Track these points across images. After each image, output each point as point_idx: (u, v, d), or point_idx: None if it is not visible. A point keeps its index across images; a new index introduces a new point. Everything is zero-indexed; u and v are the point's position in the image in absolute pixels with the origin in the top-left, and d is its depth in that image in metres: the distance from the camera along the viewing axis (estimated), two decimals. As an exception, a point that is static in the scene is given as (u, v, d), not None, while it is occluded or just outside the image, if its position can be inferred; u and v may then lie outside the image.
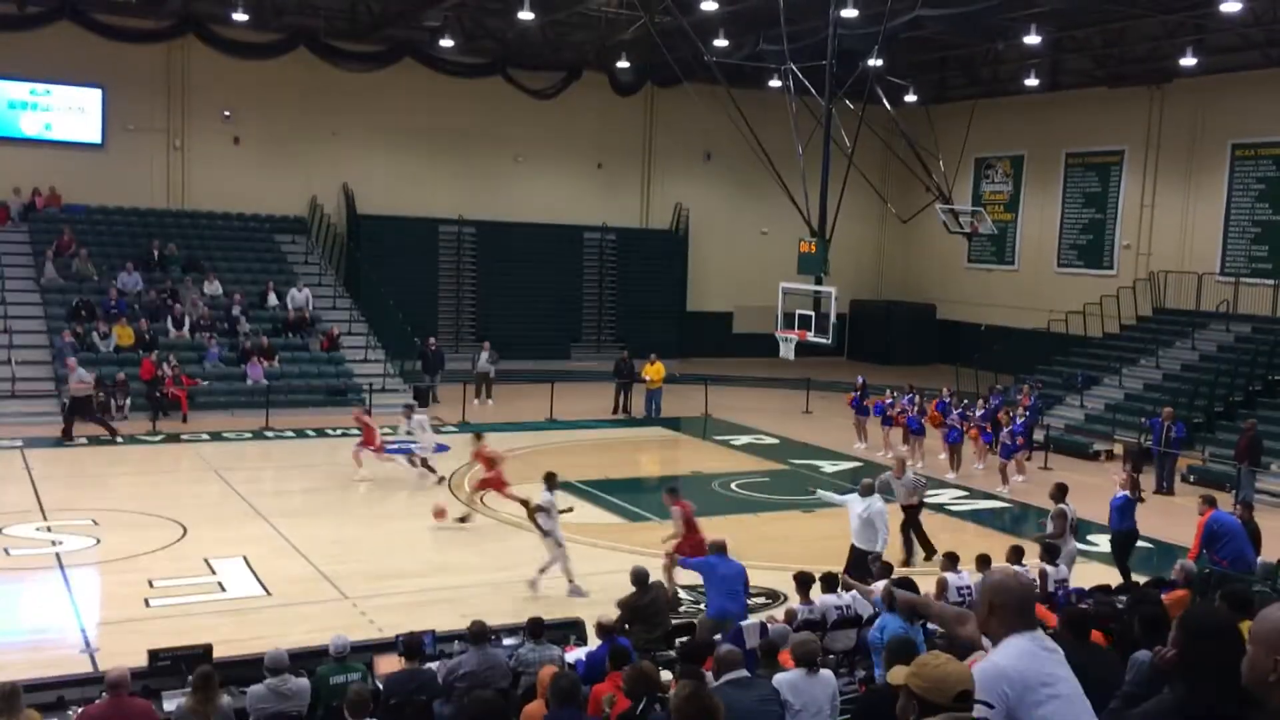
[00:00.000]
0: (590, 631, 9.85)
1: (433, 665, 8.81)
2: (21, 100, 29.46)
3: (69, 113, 29.83)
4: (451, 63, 31.91)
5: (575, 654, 9.27)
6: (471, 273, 34.61)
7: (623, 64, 32.15)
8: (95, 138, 30.03)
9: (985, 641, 3.96)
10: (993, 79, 34.43)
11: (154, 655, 8.78)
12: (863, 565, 12.59)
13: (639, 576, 10.91)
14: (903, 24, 23.67)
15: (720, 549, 11.33)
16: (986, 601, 3.74)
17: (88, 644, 11.33)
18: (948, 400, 23.33)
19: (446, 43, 29.74)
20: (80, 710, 7.74)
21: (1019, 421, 21.97)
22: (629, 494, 19.64)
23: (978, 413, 22.94)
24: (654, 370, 27.53)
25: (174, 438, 22.68)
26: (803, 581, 10.53)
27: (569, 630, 10.32)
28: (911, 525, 15.76)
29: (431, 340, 28.85)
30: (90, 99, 29.87)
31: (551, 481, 13.96)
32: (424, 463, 19.79)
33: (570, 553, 13.81)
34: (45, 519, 16.15)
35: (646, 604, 10.76)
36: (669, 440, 25.75)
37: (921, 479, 16.56)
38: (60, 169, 29.60)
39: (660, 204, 37.67)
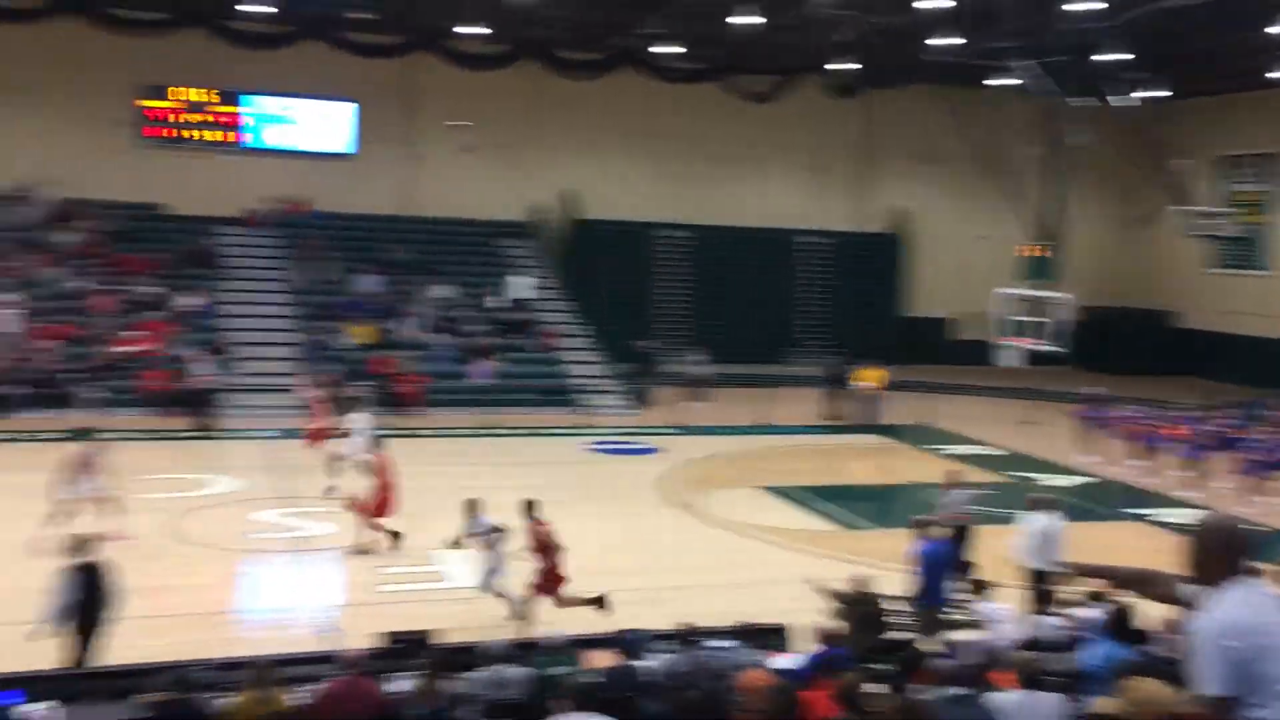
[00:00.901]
0: (795, 638, 9.82)
1: (643, 663, 8.97)
2: (276, 115, 31.71)
3: (318, 125, 31.96)
4: (670, 69, 32.34)
5: (781, 660, 9.26)
6: (685, 276, 34.96)
7: (840, 65, 31.77)
8: (345, 148, 32.07)
9: (1188, 593, 3.68)
10: (1241, 72, 32.19)
11: (385, 637, 9.30)
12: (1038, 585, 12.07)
13: (855, 584, 10.79)
14: (1145, 13, 22.44)
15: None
16: (1201, 547, 3.53)
17: (327, 625, 12.07)
18: (1198, 417, 21.84)
19: (665, 49, 30.16)
20: (316, 687, 8.27)
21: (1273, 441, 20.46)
22: (843, 501, 19.41)
23: (1222, 426, 21.52)
24: (871, 375, 27.08)
25: (407, 432, 23.86)
26: (1037, 597, 10.18)
27: (774, 635, 10.32)
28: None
29: (646, 343, 29.33)
30: (342, 112, 31.94)
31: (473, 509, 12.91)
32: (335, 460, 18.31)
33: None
34: (292, 505, 17.30)
35: (863, 613, 10.62)
36: (884, 448, 25.27)
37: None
38: (309, 178, 31.66)
39: (876, 207, 37.04)
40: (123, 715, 7.85)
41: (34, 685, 8.36)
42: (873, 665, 9.44)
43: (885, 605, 11.47)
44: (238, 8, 26.89)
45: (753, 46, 31.67)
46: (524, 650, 9.08)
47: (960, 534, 13.92)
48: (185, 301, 27.17)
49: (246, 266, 29.42)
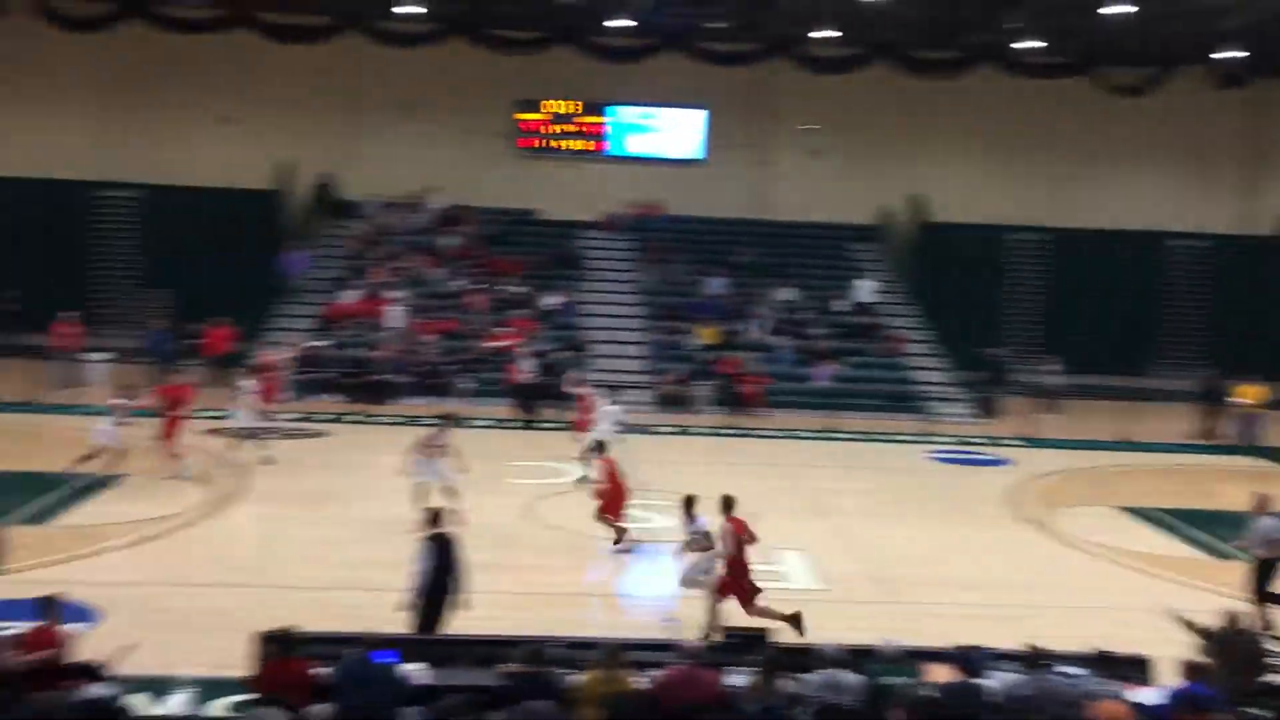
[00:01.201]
0: (1157, 672, 9.17)
1: (985, 682, 8.70)
2: (634, 123, 33.22)
3: (673, 133, 33.16)
4: (1030, 65, 30.90)
5: (1140, 693, 8.68)
6: (1039, 281, 33.26)
7: (1227, 54, 29.13)
8: (696, 154, 33.11)
9: None
10: None
11: (725, 632, 9.55)
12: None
13: (1228, 619, 9.94)
14: None
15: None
16: None
17: (667, 615, 12.54)
18: None
19: (1027, 44, 28.87)
20: (657, 673, 8.63)
21: None
22: (1214, 527, 17.81)
23: None
24: (1251, 393, 24.71)
25: (745, 432, 24.34)
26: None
27: (1133, 666, 9.67)
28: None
29: (995, 350, 28.22)
30: (694, 120, 32.99)
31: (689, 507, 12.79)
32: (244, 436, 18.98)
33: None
34: (638, 497, 18.05)
35: (1238, 651, 9.75)
36: (1263, 472, 22.97)
37: None
38: (663, 184, 32.90)
39: (1264, 208, 33.67)
40: (484, 681, 8.54)
41: (407, 647, 9.26)
42: (1249, 709, 8.64)
43: (1265, 645, 10.47)
44: (606, 24, 28.36)
45: (1123, 37, 29.67)
46: (860, 657, 9.04)
47: (1268, 566, 12.83)
48: (548, 300, 29.02)
49: (604, 268, 31.03)
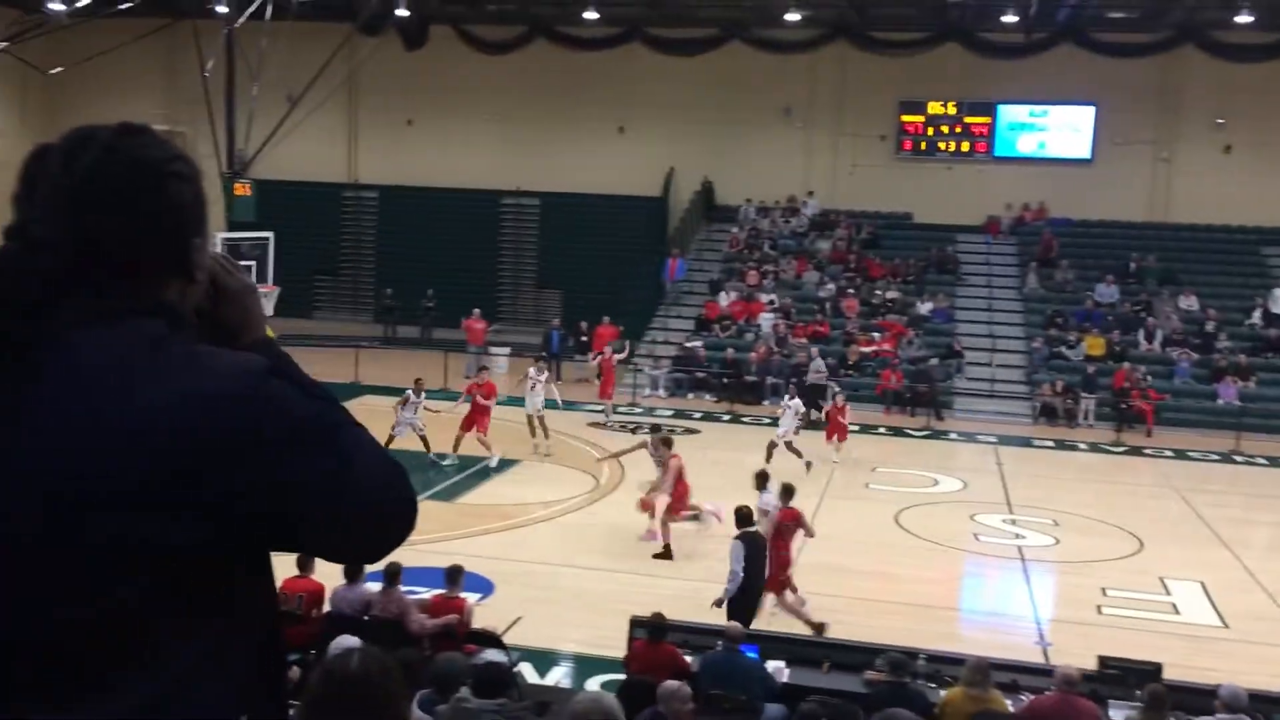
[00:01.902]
0: None
1: None
2: (1020, 122, 31.79)
3: (1061, 131, 31.44)
4: None
5: None
6: None
7: None
8: (1085, 153, 31.22)
9: None
10: None
11: (1104, 661, 8.99)
12: None
13: None
14: None
15: None
16: None
17: (1041, 637, 11.97)
18: None
19: None
20: (1032, 698, 8.26)
21: None
22: None
23: None
24: None
25: (1136, 450, 22.66)
26: None
27: None
28: None
29: None
30: (1083, 117, 31.14)
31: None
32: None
33: None
34: (1011, 512, 17.36)
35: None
36: None
37: None
38: (1049, 184, 31.26)
39: None
40: (846, 686, 8.54)
41: (767, 644, 9.41)
42: None
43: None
44: (1002, 19, 27.38)
45: None
46: (1263, 704, 8.21)
47: None
48: (923, 306, 28.41)
49: (984, 273, 29.93)
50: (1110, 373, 25.17)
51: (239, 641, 1.48)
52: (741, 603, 10.59)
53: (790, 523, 11.76)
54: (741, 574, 10.54)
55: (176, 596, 1.38)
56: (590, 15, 29.12)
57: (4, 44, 27.94)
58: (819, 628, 11.27)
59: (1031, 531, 16.23)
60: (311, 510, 1.46)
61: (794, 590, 11.73)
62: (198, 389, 1.39)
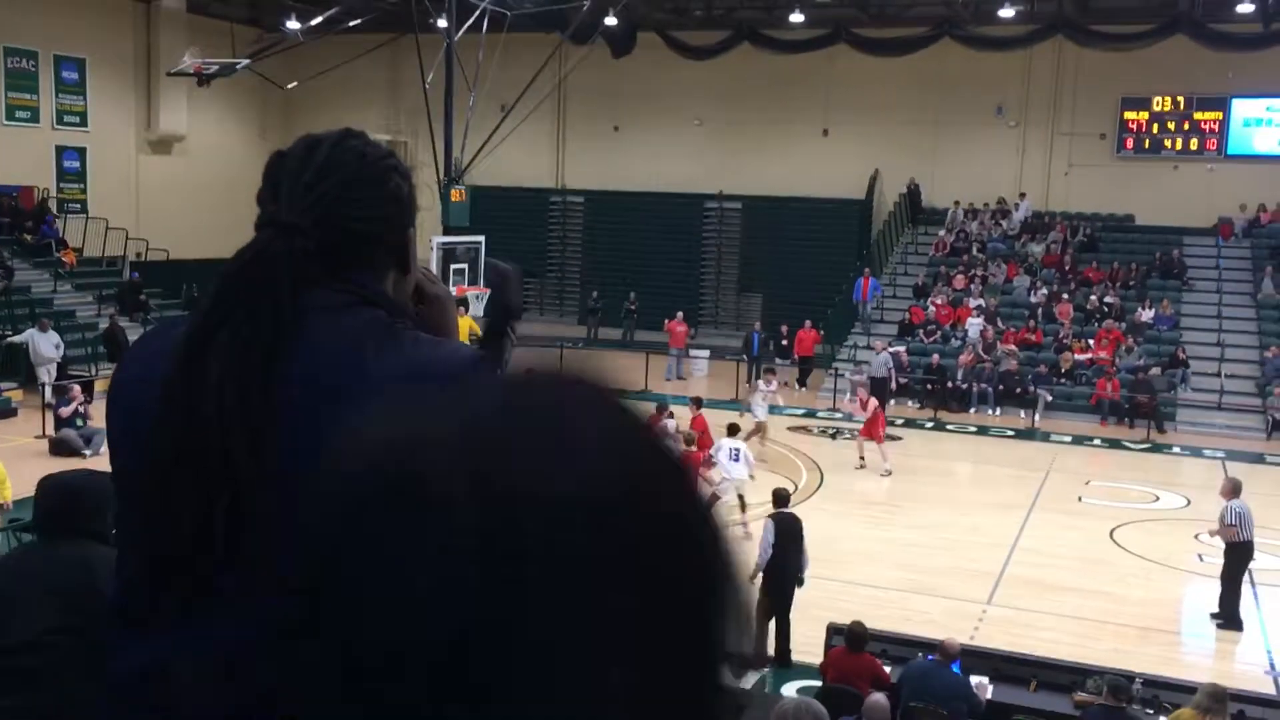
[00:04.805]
0: None
1: None
2: (1256, 117, 29.74)
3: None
4: None
5: None
6: None
7: None
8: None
9: None
10: None
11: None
12: None
13: None
14: None
15: None
16: None
17: (1272, 667, 11.21)
18: None
19: None
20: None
21: None
22: None
23: None
24: None
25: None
26: None
27: None
28: None
29: None
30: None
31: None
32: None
33: None
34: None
35: None
36: None
37: None
38: (1282, 184, 29.18)
39: None
40: (1055, 708, 8.21)
41: (970, 659, 9.12)
42: None
43: None
44: (1237, 9, 25.78)
45: None
46: None
47: None
48: (1145, 312, 26.96)
49: (1212, 278, 28.14)
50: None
51: None
52: (776, 580, 10.65)
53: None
54: (770, 551, 10.66)
55: None
56: (796, 18, 28.96)
57: (246, 60, 29.96)
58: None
59: (1263, 554, 15.15)
60: None
61: None
62: (427, 369, 1.47)
